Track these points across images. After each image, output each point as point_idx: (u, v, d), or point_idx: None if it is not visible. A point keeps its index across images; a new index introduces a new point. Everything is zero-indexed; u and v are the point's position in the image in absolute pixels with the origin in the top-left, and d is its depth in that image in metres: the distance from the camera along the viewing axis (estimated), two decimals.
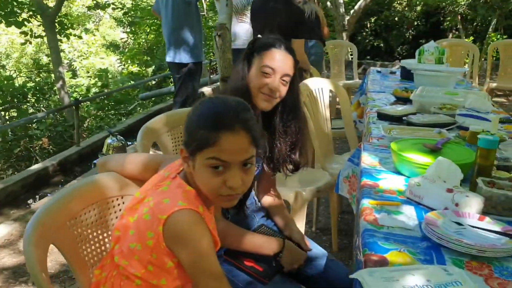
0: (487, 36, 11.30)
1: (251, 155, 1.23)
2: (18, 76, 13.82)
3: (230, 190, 1.22)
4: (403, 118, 2.82)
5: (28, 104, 10.28)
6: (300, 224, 2.69)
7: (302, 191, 2.68)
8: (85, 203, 1.37)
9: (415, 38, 13.39)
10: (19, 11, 8.41)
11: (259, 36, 1.88)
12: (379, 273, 1.23)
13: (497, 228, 1.50)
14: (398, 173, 2.01)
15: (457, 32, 12.96)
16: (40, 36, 8.92)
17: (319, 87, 3.31)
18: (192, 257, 1.19)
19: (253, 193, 2.00)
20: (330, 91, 3.42)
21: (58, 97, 9.10)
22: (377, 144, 2.38)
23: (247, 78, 1.77)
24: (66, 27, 9.09)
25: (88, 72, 15.05)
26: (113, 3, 9.79)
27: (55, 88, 8.99)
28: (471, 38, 11.91)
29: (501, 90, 6.72)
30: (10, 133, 8.32)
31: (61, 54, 15.41)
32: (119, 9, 10.35)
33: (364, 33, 14.31)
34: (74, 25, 16.44)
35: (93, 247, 1.40)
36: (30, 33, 8.75)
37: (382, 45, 14.14)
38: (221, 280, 1.23)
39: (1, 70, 15.04)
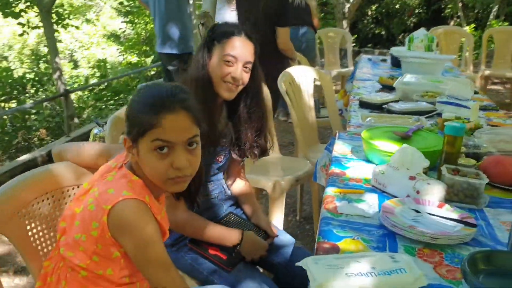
0: (488, 23, 11.18)
1: (194, 134, 1.24)
2: (20, 67, 13.85)
3: (178, 172, 1.22)
4: (384, 106, 2.81)
5: (27, 95, 10.31)
6: (279, 214, 2.69)
7: (280, 181, 2.67)
8: (38, 193, 1.37)
9: (417, 25, 13.21)
10: (16, 1, 8.39)
11: (217, 22, 1.87)
12: (324, 260, 1.23)
13: (454, 215, 1.49)
14: (369, 161, 2.00)
15: (458, 20, 12.83)
16: (37, 27, 8.91)
17: (302, 75, 3.29)
18: (137, 246, 1.18)
19: (222, 182, 2.00)
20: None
21: (55, 88, 9.10)
22: (352, 132, 2.38)
23: (208, 67, 1.75)
24: (63, 17, 9.06)
25: (89, 62, 15.05)
26: None
27: (53, 78, 8.99)
28: (472, 25, 11.79)
29: (497, 77, 6.66)
30: (8, 124, 8.37)
31: (63, 44, 15.43)
32: None
33: (365, 21, 14.20)
34: (76, 15, 16.44)
35: (47, 236, 1.41)
36: (27, 23, 8.74)
37: (383, 32, 14.03)
38: (169, 269, 1.23)
39: (4, 61, 15.08)
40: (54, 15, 8.76)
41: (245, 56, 1.74)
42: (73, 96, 10.52)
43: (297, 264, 1.24)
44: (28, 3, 8.56)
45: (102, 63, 11.41)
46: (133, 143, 1.23)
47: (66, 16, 9.47)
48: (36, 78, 10.25)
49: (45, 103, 8.57)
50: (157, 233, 1.21)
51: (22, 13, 8.54)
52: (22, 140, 8.12)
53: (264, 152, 1.93)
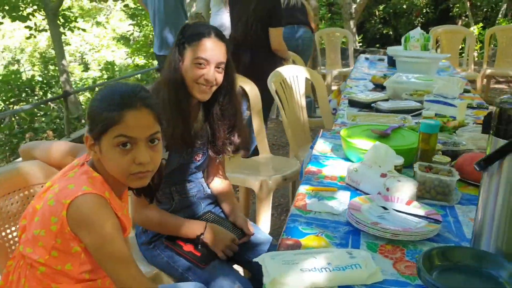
0: (496, 22, 11.09)
1: (156, 131, 1.28)
2: (31, 69, 14.00)
3: (140, 167, 1.25)
4: (372, 104, 2.81)
5: (36, 97, 10.43)
6: (267, 212, 2.70)
7: (267, 180, 2.68)
8: (5, 191, 1.39)
9: (424, 25, 13.16)
10: (23, 5, 8.51)
11: (187, 22, 1.88)
12: (281, 256, 1.24)
13: (421, 212, 1.49)
14: (348, 159, 2.01)
15: (466, 19, 12.74)
16: (44, 30, 9.03)
17: (294, 74, 3.29)
18: (96, 240, 1.20)
19: (202, 180, 2.02)
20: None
21: (63, 90, 9.20)
22: (336, 131, 2.38)
23: (180, 70, 1.75)
24: (70, 20, 9.16)
25: (99, 65, 15.20)
26: None
27: (60, 81, 9.10)
28: (480, 24, 11.69)
29: (500, 76, 6.61)
30: (16, 126, 8.48)
31: (73, 47, 15.57)
32: (120, 1, 10.39)
33: (373, 21, 14.18)
34: (86, 18, 16.60)
35: (14, 234, 1.43)
36: (35, 27, 8.87)
37: (391, 33, 13.99)
38: (128, 264, 1.24)
39: (16, 64, 15.27)
40: (61, 18, 8.88)
41: (217, 57, 1.74)
42: (81, 98, 10.64)
43: (255, 260, 1.25)
44: (35, 7, 8.68)
45: (110, 66, 11.49)
46: (95, 141, 1.26)
47: (73, 19, 9.57)
48: (45, 81, 10.37)
49: (52, 105, 8.67)
50: (116, 228, 1.23)
51: (30, 17, 8.67)
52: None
53: (237, 149, 1.95)
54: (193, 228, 1.78)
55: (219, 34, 1.76)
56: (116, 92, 1.27)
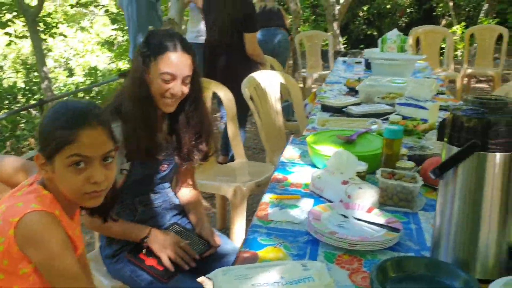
0: (478, 21, 11.16)
1: (110, 149, 1.25)
2: (16, 77, 13.87)
3: (95, 186, 1.23)
4: (344, 109, 2.80)
5: (19, 104, 10.33)
6: (241, 219, 2.67)
7: (241, 186, 2.65)
8: None
9: (409, 25, 13.22)
10: (1, 12, 8.43)
11: (151, 30, 1.84)
12: (234, 271, 1.21)
13: (381, 220, 1.47)
14: (315, 166, 1.99)
15: (450, 18, 12.82)
16: (24, 36, 8.95)
17: (268, 80, 3.28)
18: (46, 258, 1.17)
19: (168, 190, 1.99)
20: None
21: (45, 96, 9.12)
22: (305, 137, 2.36)
23: (146, 82, 1.71)
24: (50, 26, 9.10)
25: (84, 70, 15.10)
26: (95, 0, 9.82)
27: (41, 88, 9.02)
28: (463, 24, 11.76)
29: (479, 75, 6.64)
30: None
31: (58, 52, 15.44)
32: (101, 7, 10.35)
33: (357, 22, 14.22)
34: (70, 24, 16.49)
35: None
36: (14, 33, 8.79)
37: (375, 33, 14.03)
38: (78, 281, 1.21)
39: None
40: (42, 24, 8.81)
41: (183, 71, 1.70)
42: None
43: (207, 276, 1.22)
44: (14, 13, 8.60)
45: (93, 71, 11.43)
46: (47, 160, 1.22)
47: (54, 24, 9.50)
48: (27, 87, 10.29)
49: (34, 113, 8.57)
50: (66, 245, 1.20)
51: (9, 23, 8.59)
52: (11, 150, 8.13)
53: (205, 157, 1.92)
54: (137, 231, 1.75)
55: (185, 46, 1.71)
56: (69, 110, 1.24)
